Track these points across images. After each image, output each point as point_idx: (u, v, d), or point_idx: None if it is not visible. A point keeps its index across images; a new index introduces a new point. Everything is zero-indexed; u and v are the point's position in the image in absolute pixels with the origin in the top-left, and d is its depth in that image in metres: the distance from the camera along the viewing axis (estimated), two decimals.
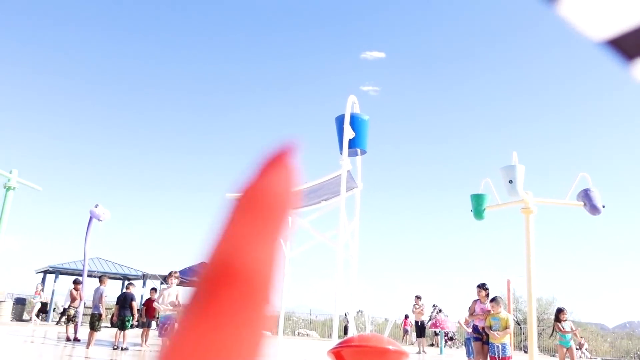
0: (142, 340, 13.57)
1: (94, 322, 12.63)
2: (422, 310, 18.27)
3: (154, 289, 15.69)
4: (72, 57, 69.46)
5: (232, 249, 0.35)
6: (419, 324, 18.19)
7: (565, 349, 11.15)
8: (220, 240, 0.35)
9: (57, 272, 28.78)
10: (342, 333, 22.81)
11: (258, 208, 0.36)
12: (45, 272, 30.36)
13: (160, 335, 10.33)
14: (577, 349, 26.39)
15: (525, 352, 22.18)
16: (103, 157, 77.19)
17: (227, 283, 0.34)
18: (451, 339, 25.15)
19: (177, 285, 10.49)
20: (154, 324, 26.45)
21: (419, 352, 18.03)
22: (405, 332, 29.62)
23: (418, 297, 18.30)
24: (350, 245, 14.70)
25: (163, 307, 10.14)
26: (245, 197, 0.37)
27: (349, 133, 13.07)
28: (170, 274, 10.61)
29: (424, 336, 18.24)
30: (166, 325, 9.85)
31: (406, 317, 28.41)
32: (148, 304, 14.59)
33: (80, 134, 74.11)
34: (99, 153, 76.37)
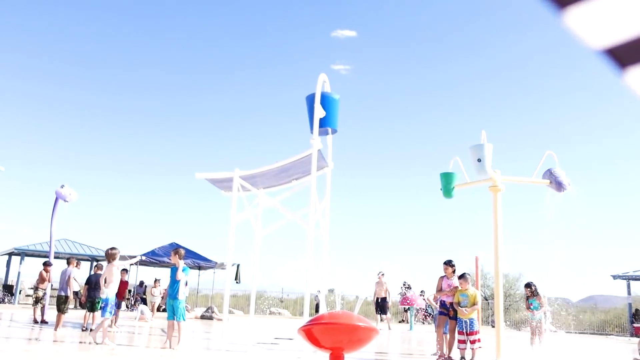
0: (112, 322, 13.46)
1: (61, 305, 12.46)
2: (385, 286, 18.18)
3: (124, 270, 15.50)
4: (34, 33, 67.20)
5: None
6: (379, 300, 17.89)
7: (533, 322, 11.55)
8: None
9: (23, 254, 28.19)
10: (314, 311, 23.00)
11: None
12: (10, 254, 29.70)
13: (104, 315, 9.71)
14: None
15: (493, 326, 22.70)
16: (69, 137, 75.31)
17: None
18: (429, 315, 25.45)
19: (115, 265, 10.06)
20: (124, 304, 26.19)
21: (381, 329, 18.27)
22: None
23: (382, 274, 18.23)
24: (321, 224, 14.76)
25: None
26: None
27: (319, 112, 13.02)
28: (107, 253, 10.10)
29: (385, 313, 17.96)
30: (108, 304, 9.59)
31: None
32: (122, 286, 14.40)
33: (45, 113, 72.10)
34: (65, 133, 74.48)
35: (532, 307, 11.43)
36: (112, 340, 9.57)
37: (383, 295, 17.74)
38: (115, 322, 13.59)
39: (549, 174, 10.49)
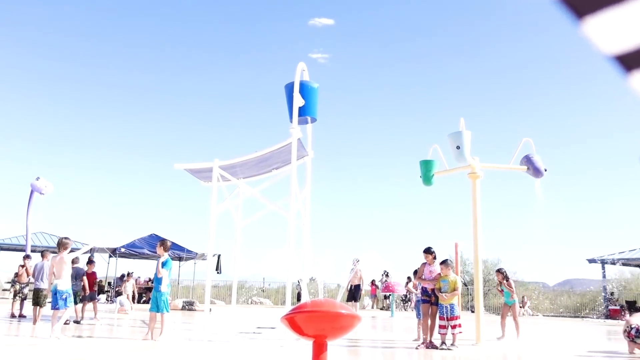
0: (94, 314, 13.33)
1: (39, 298, 12.30)
2: (359, 274, 18.03)
3: (91, 262, 15.33)
4: (9, 23, 65.57)
5: None
6: (352, 287, 17.60)
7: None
8: None
9: None
10: (296, 300, 23.08)
11: None
12: None
13: (54, 307, 9.24)
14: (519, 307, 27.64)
15: (472, 311, 23.05)
16: (43, 129, 73.94)
17: None
18: (409, 300, 25.61)
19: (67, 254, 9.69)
20: (103, 297, 25.88)
21: None
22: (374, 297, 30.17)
23: (357, 260, 18.14)
24: (302, 213, 14.75)
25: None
26: None
27: (298, 101, 12.96)
28: (59, 242, 9.66)
29: (357, 300, 17.60)
30: (63, 296, 9.26)
31: (372, 282, 28.82)
32: (90, 278, 14.12)
33: (17, 105, 70.62)
34: (39, 125, 73.09)
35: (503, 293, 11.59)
36: (63, 332, 9.21)
37: (357, 283, 17.55)
38: (95, 314, 13.44)
39: (527, 160, 10.64)
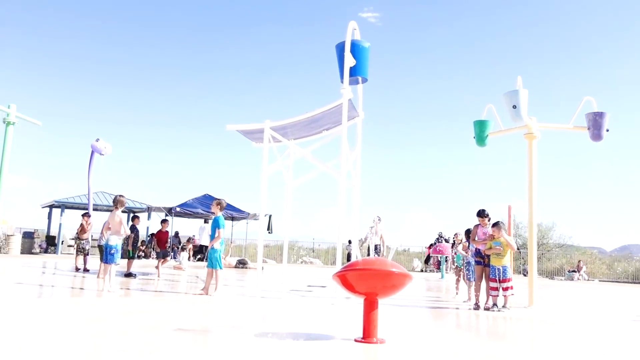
0: (157, 271, 13.89)
1: (101, 253, 12.98)
2: (380, 234, 16.53)
3: (164, 221, 15.94)
4: None
5: None
6: (376, 248, 16.58)
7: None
8: None
9: (63, 206, 29.14)
10: (345, 261, 23.31)
11: None
12: (51, 206, 30.72)
13: (105, 261, 9.87)
14: (573, 271, 27.04)
15: (525, 275, 22.72)
16: (103, 92, 76.26)
17: None
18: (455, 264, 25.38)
19: (123, 212, 10.08)
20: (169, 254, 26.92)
21: None
22: (428, 259, 30.12)
23: (379, 219, 16.67)
24: (353, 174, 14.76)
25: (107, 234, 9.97)
26: None
27: (349, 61, 12.81)
28: (115, 200, 10.10)
29: None
30: (112, 251, 9.64)
31: (430, 246, 28.61)
32: (160, 236, 14.86)
33: (80, 70, 72.85)
34: (99, 89, 75.40)
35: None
36: (121, 285, 9.72)
37: (377, 242, 16.54)
38: (159, 273, 13.96)
39: (592, 118, 10.15)
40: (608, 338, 6.68)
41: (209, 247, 9.78)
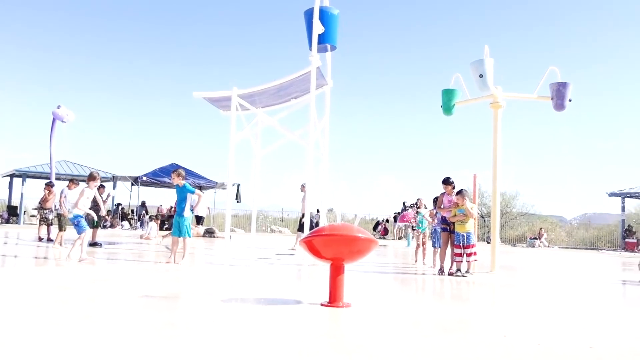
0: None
1: (59, 223, 13.09)
2: (305, 201, 14.50)
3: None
4: None
5: None
6: (303, 215, 14.64)
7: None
8: None
9: (24, 175, 28.41)
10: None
11: None
12: (12, 175, 29.93)
13: (78, 232, 9.73)
14: (534, 238, 27.90)
15: (489, 242, 23.31)
16: (64, 60, 73.77)
17: None
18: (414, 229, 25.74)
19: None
20: (126, 223, 26.44)
21: (292, 249, 15.24)
22: (376, 226, 30.64)
23: (304, 185, 15.12)
24: (321, 143, 14.75)
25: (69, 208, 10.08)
26: None
27: (318, 28, 12.67)
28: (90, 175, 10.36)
29: (302, 230, 14.80)
30: (78, 221, 9.67)
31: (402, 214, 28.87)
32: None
33: (39, 34, 70.21)
34: (60, 56, 72.86)
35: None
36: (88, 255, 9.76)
37: (310, 211, 14.47)
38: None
39: (556, 88, 10.31)
40: (562, 299, 6.95)
41: (180, 216, 9.68)
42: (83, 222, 9.78)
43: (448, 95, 11.16)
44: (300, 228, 15.15)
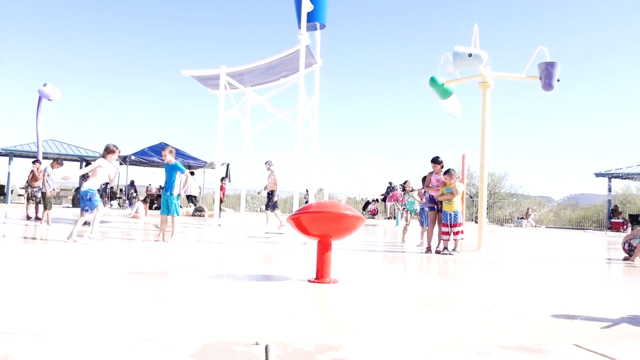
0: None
1: (44, 201, 13.15)
2: (273, 178, 14.87)
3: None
4: None
5: None
6: (269, 194, 15.15)
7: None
8: None
9: (11, 154, 28.16)
10: None
11: None
12: None
13: (90, 209, 9.03)
14: (522, 218, 28.19)
15: (476, 222, 23.47)
16: (51, 37, 72.65)
17: None
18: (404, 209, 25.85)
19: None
20: (116, 203, 26.34)
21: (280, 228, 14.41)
22: (366, 206, 30.75)
23: (270, 163, 15.02)
24: (310, 122, 14.73)
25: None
26: None
27: (307, 6, 12.57)
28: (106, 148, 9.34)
29: (274, 209, 14.94)
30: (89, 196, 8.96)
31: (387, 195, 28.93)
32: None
33: (24, 9, 68.97)
34: (47, 33, 71.74)
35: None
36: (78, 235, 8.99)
37: (272, 189, 15.06)
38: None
39: (544, 68, 10.30)
40: (545, 276, 7.07)
41: (169, 194, 9.62)
42: (97, 197, 9.17)
43: (433, 84, 11.03)
44: (268, 206, 15.07)
